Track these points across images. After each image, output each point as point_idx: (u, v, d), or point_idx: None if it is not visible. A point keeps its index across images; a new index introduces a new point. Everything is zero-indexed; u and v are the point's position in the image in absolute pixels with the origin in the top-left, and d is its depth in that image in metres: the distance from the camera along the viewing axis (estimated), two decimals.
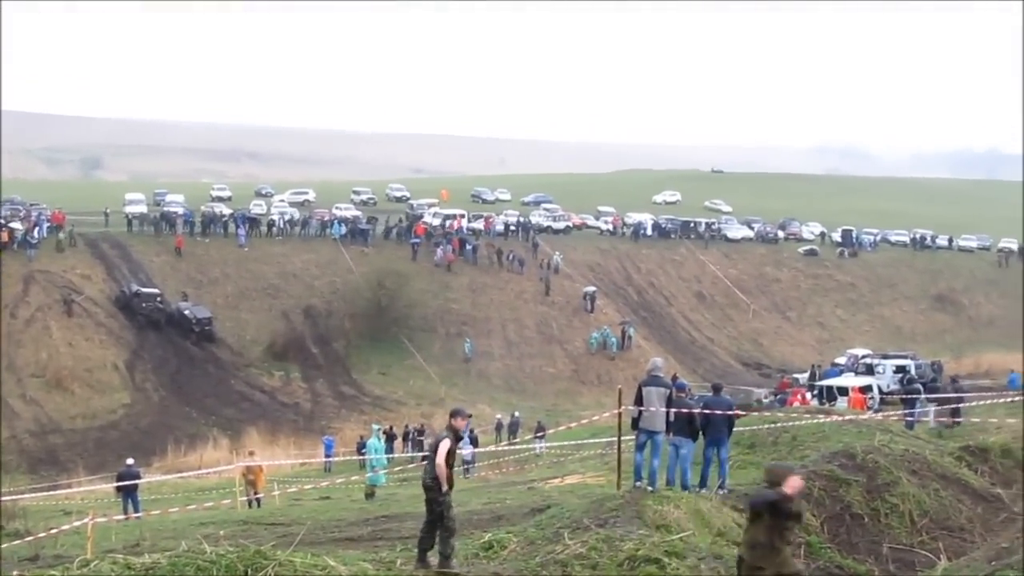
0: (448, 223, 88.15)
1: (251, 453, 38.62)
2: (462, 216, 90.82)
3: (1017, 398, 38.79)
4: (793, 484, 10.39)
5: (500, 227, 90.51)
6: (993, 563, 12.89)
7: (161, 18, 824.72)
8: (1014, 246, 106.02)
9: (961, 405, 35.24)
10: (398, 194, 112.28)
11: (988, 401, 37.77)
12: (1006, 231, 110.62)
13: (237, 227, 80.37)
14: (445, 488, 12.96)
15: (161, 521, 25.07)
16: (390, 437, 49.10)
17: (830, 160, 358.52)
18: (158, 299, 68.56)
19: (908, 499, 17.64)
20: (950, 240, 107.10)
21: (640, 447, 18.38)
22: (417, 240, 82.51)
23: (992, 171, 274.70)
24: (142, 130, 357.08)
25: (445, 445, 13.06)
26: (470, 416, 14.03)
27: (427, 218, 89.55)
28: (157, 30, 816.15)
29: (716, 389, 20.28)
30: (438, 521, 13.05)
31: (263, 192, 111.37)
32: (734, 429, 20.25)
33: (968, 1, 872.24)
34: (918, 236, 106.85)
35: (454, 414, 13.55)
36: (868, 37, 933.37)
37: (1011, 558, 12.61)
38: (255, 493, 31.73)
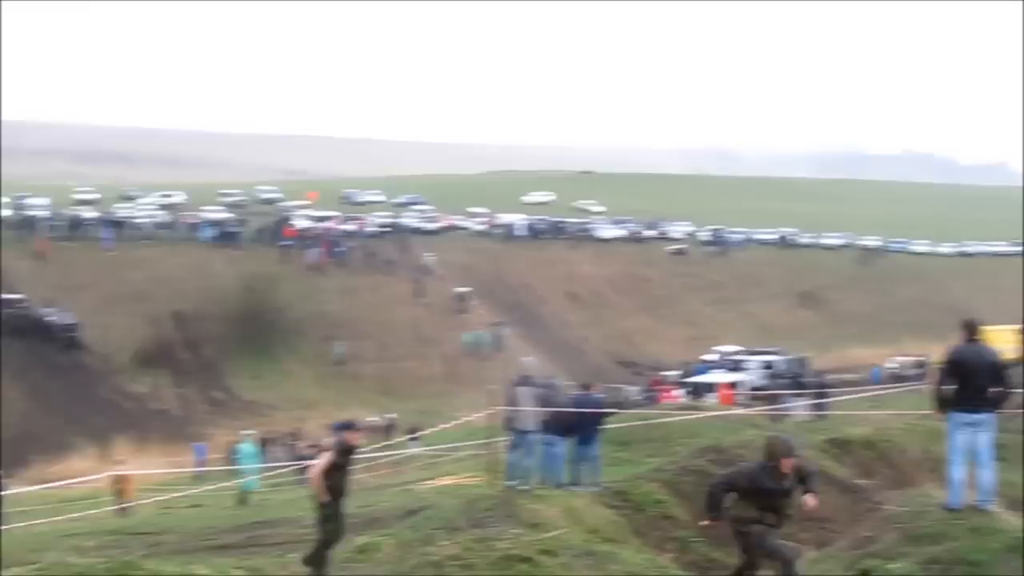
0: (320, 225, 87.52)
1: (120, 461, 37.96)
2: (334, 218, 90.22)
3: (879, 391, 39.97)
4: (786, 466, 11.23)
5: (371, 229, 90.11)
6: (856, 552, 13.30)
7: (21, 16, 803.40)
8: (875, 244, 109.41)
9: (825, 400, 36.05)
10: (268, 196, 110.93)
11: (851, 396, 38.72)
12: (868, 229, 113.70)
13: (103, 231, 78.68)
14: (323, 500, 12.93)
15: (26, 534, 24.46)
16: (263, 442, 48.53)
17: (697, 160, 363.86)
18: (21, 305, 66.74)
19: None
20: (814, 238, 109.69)
21: (513, 447, 18.51)
22: (287, 243, 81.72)
23: (854, 171, 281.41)
24: (2, 131, 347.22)
25: (322, 459, 13.13)
26: (360, 431, 14.02)
27: (296, 220, 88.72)
28: (16, 27, 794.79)
29: (585, 387, 20.46)
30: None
31: (130, 195, 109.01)
32: (606, 427, 20.49)
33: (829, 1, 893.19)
34: (783, 235, 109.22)
35: (344, 427, 13.52)
36: (730, 37, 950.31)
37: (872, 547, 13.01)
38: (124, 502, 31.13)
